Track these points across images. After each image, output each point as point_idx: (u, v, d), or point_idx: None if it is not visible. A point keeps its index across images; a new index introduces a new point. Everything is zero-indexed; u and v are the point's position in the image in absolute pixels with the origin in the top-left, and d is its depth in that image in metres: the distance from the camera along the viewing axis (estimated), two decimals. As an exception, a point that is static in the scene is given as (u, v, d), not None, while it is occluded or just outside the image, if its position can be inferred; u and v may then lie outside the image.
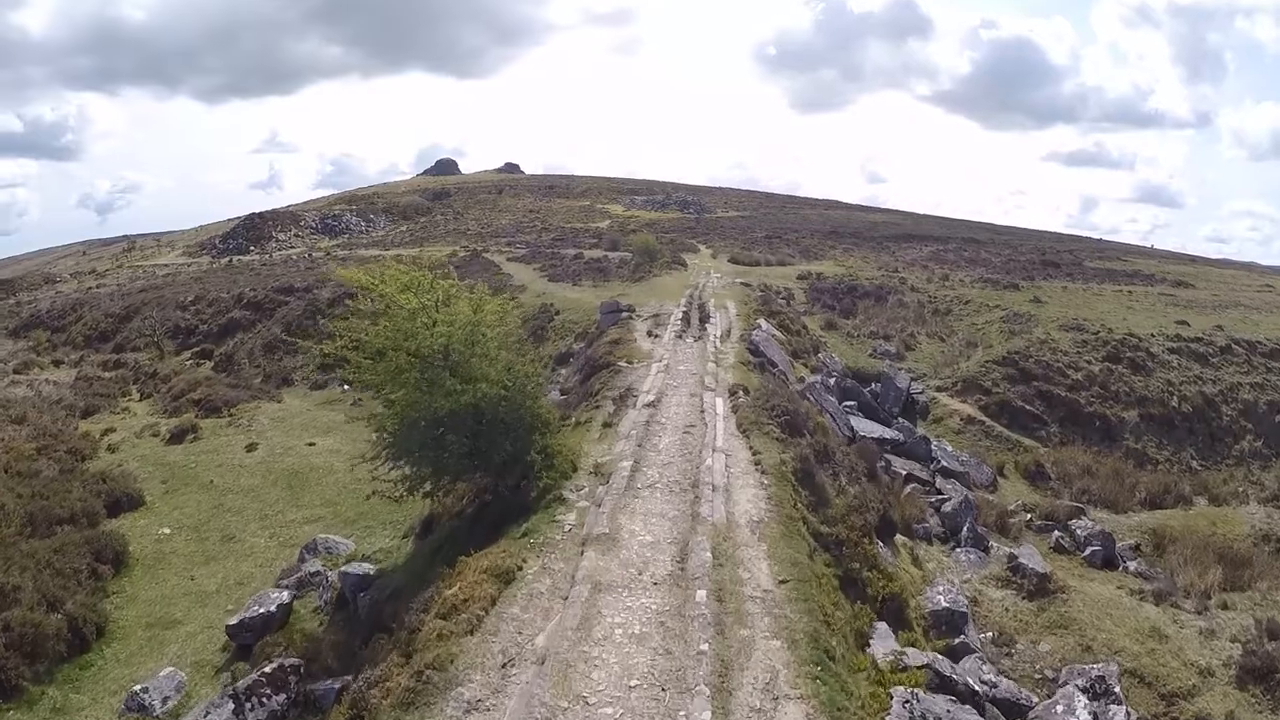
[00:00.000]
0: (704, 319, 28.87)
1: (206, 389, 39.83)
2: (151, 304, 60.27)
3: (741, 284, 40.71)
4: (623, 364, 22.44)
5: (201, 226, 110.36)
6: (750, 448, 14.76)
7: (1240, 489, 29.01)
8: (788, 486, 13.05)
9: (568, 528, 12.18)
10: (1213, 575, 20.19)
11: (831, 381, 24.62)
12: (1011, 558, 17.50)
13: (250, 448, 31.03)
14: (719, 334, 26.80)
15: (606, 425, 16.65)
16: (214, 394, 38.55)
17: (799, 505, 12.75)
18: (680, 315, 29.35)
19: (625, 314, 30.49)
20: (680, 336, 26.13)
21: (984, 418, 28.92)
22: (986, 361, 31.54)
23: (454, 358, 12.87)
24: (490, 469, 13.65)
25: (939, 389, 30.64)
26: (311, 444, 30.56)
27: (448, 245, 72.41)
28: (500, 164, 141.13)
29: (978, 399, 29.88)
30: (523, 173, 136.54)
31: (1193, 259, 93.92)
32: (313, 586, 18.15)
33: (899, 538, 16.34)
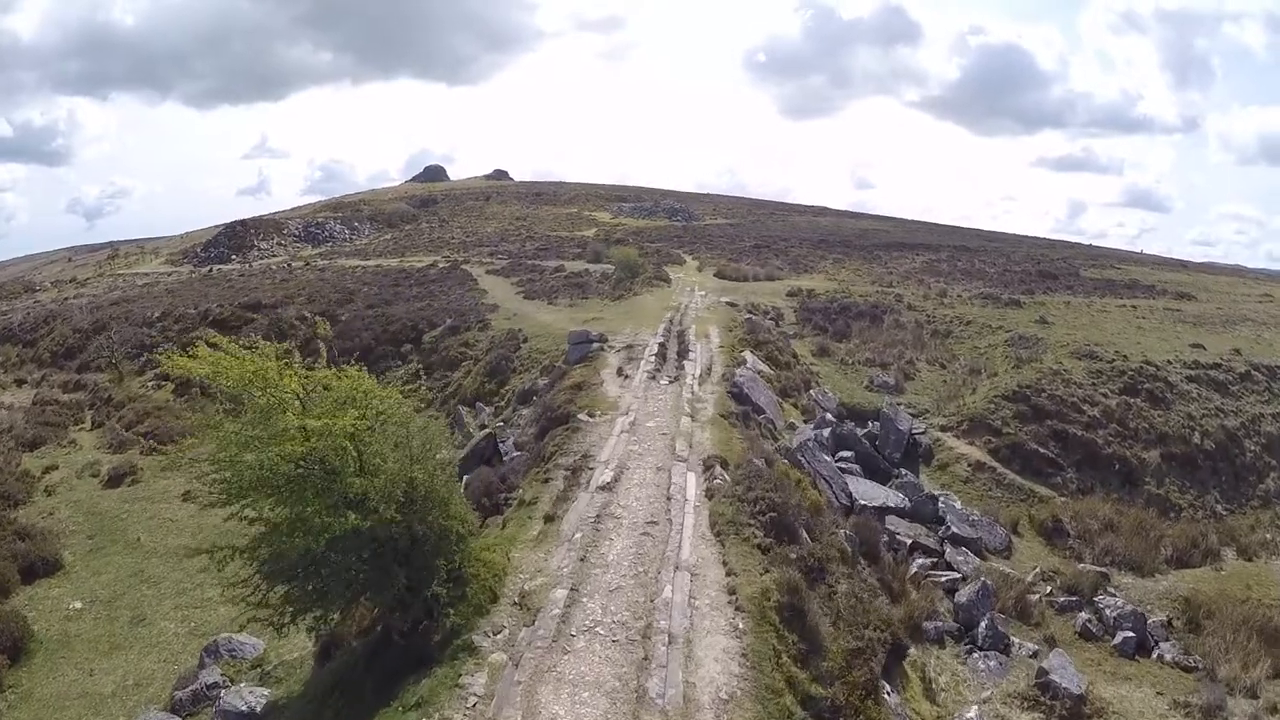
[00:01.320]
0: (682, 353, 25.51)
1: (156, 420, 36.57)
2: (120, 319, 56.73)
3: (727, 304, 37.39)
4: (584, 417, 19.08)
5: (188, 233, 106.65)
6: (724, 562, 11.39)
7: (1269, 536, 25.96)
8: (769, 633, 9.70)
9: (471, 702, 8.83)
10: (1260, 668, 17.23)
11: (826, 433, 21.28)
12: (1041, 671, 14.21)
13: (187, 495, 27.75)
14: (698, 372, 23.43)
15: (549, 519, 13.25)
16: (162, 426, 35.28)
17: (784, 661, 9.42)
18: (656, 348, 25.98)
19: (596, 345, 27.11)
20: (654, 377, 22.76)
21: (994, 463, 25.59)
22: (995, 396, 28.16)
23: (329, 465, 9.51)
24: (384, 600, 10.31)
25: (943, 428, 27.29)
26: (252, 491, 27.27)
27: (429, 255, 69.02)
28: (489, 170, 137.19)
29: (986, 440, 26.53)
30: (511, 179, 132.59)
31: (1184, 265, 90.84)
32: (208, 701, 14.85)
33: (910, 651, 13.05)
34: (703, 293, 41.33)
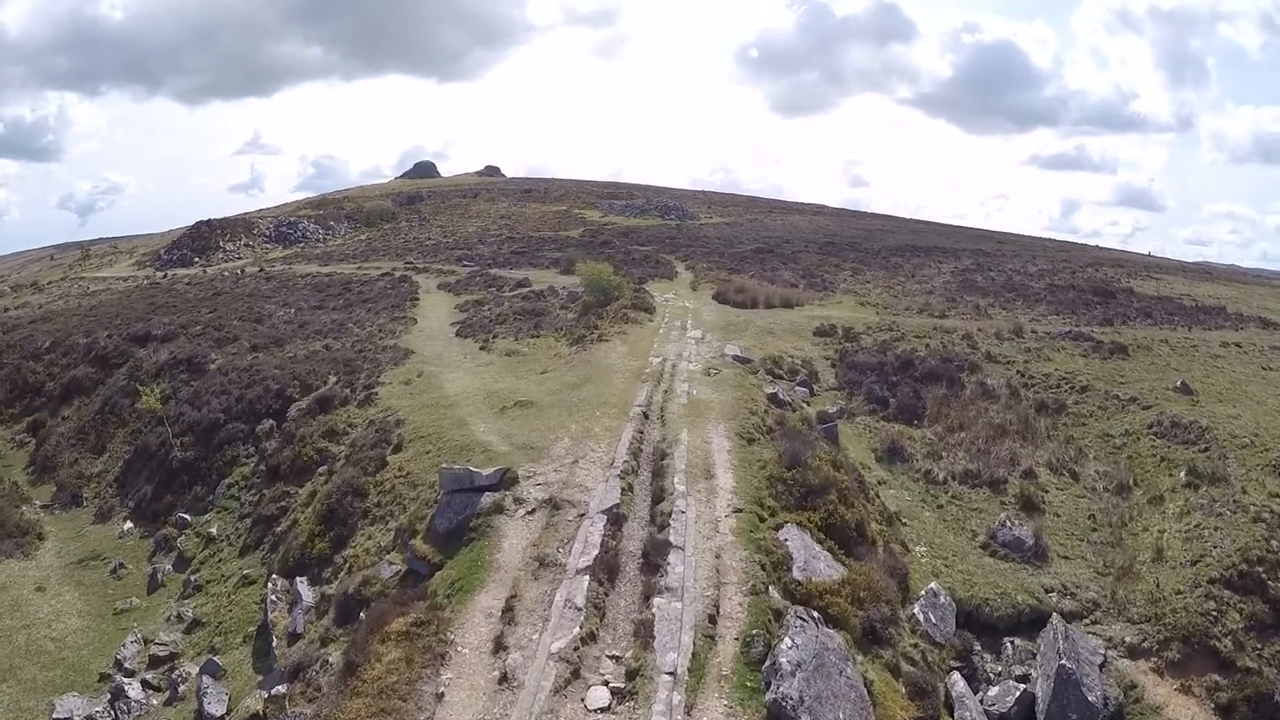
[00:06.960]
0: (655, 554, 10.56)
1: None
2: (16, 347, 41.45)
3: (735, 360, 22.40)
4: None
5: (169, 231, 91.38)
6: None
7: None
8: None
9: None
10: None
11: None
12: None
13: None
14: (688, 645, 8.69)
15: None
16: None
17: None
18: (600, 530, 11.09)
19: (489, 499, 12.34)
20: (576, 674, 8.00)
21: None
22: (1206, 581, 13.54)
23: None
24: None
25: (1133, 651, 12.74)
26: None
27: (393, 260, 53.88)
28: (481, 166, 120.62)
29: (1209, 682, 12.01)
30: (503, 175, 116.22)
31: (1209, 272, 75.20)
32: None
33: None
34: (698, 333, 26.37)
